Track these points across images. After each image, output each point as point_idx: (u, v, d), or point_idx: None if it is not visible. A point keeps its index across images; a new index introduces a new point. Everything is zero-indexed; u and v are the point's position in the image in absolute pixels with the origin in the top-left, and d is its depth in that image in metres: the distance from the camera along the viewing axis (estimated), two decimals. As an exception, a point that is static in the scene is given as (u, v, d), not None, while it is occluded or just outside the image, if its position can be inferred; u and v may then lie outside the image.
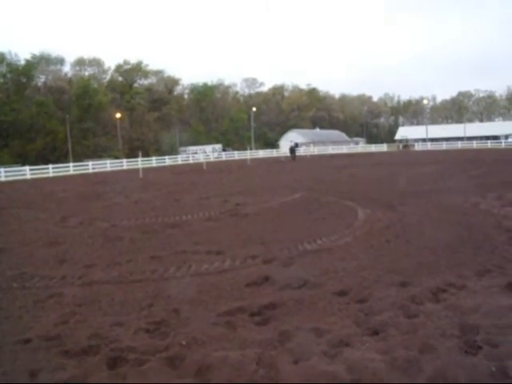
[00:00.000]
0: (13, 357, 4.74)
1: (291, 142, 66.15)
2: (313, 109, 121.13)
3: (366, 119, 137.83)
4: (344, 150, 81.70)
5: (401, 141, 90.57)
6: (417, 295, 5.87)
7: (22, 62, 76.74)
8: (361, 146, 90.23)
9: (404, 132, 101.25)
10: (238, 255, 8.71)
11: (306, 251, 8.89)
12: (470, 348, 4.33)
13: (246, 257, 8.56)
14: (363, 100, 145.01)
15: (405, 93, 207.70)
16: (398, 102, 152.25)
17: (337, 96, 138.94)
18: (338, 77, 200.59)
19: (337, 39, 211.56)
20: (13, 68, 75.41)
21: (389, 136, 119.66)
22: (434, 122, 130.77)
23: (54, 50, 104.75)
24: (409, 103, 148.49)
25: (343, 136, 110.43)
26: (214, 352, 4.56)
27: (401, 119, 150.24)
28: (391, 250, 8.62)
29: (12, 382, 2.74)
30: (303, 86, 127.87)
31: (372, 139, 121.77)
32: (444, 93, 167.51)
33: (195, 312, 5.85)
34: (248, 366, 4.25)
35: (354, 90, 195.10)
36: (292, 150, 58.01)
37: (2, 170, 43.36)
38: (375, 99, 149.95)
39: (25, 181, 39.90)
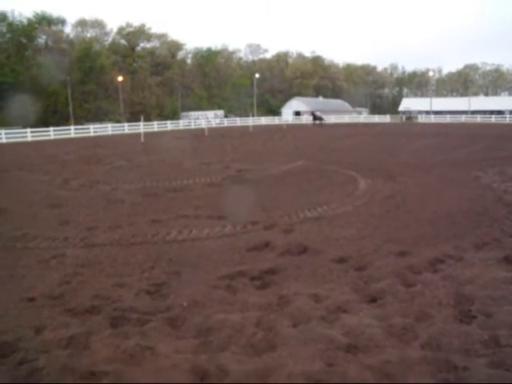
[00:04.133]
0: (18, 314, 4.84)
1: (317, 112, 68.85)
2: (316, 77, 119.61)
3: (370, 89, 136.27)
4: (347, 119, 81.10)
5: (404, 112, 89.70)
6: (415, 265, 5.94)
7: (23, 21, 75.35)
8: (363, 117, 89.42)
9: (408, 104, 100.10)
10: (238, 220, 8.78)
11: (306, 218, 8.96)
12: (465, 317, 4.42)
13: (246, 222, 8.64)
14: (368, 70, 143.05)
15: (410, 64, 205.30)
16: (403, 73, 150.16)
17: (341, 65, 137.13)
18: (342, 46, 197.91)
19: (342, 7, 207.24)
20: (13, 28, 74.01)
21: (392, 107, 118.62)
22: (438, 94, 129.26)
23: (54, 10, 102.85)
24: (414, 75, 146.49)
25: (346, 106, 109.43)
26: (214, 314, 4.65)
27: (405, 91, 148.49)
28: (391, 219, 8.68)
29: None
30: (308, 53, 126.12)
31: (375, 110, 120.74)
32: (450, 65, 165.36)
33: (196, 275, 5.94)
34: (247, 328, 4.34)
35: (358, 60, 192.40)
36: (315, 116, 62.60)
37: (3, 131, 43.07)
38: (380, 69, 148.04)
39: (26, 143, 39.76)
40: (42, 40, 79.91)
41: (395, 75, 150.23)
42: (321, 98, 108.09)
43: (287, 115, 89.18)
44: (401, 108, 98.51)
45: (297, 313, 4.63)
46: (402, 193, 11.34)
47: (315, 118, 63.45)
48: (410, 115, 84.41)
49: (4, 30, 73.89)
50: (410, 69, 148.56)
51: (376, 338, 4.06)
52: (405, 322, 4.34)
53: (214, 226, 8.44)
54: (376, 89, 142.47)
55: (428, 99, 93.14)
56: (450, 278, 5.46)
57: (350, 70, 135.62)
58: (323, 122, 62.55)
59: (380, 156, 20.12)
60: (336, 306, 4.78)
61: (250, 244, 7.23)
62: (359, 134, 39.62)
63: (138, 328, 4.44)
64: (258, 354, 3.90)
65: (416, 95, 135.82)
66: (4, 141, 41.20)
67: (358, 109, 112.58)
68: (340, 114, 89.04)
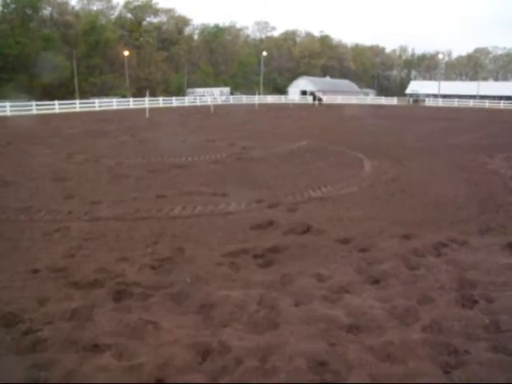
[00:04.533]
0: (22, 285, 4.87)
1: (317, 93, 67.87)
2: (324, 57, 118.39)
3: (378, 71, 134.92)
4: (353, 100, 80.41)
5: (411, 95, 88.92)
6: (419, 248, 5.93)
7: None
8: (370, 98, 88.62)
9: (415, 86, 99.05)
10: (243, 198, 8.77)
11: (310, 198, 8.94)
12: (467, 302, 4.42)
13: (251, 200, 8.63)
14: (376, 51, 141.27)
15: (420, 47, 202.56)
16: (412, 55, 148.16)
17: (349, 45, 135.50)
18: (351, 26, 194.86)
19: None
20: (17, -2, 72.98)
21: (400, 89, 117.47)
22: (447, 78, 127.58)
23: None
24: (423, 57, 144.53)
25: (353, 86, 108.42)
26: (217, 290, 4.67)
27: (413, 73, 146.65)
28: (396, 202, 8.66)
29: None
30: (316, 32, 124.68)
31: (382, 91, 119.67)
32: (460, 49, 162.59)
33: (200, 251, 5.94)
34: (250, 305, 4.35)
35: (367, 41, 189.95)
36: (314, 96, 61.67)
37: (8, 104, 42.83)
38: (388, 51, 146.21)
39: (31, 116, 39.60)
40: (47, 12, 78.99)
41: (404, 57, 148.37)
42: (328, 78, 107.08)
43: (294, 94, 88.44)
44: (408, 91, 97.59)
45: (299, 292, 4.64)
46: (407, 176, 11.29)
47: (315, 98, 62.74)
48: (417, 98, 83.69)
49: (8, 0, 72.79)
50: (419, 51, 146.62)
51: (378, 319, 4.07)
52: (407, 304, 4.35)
53: (218, 203, 8.43)
54: (384, 70, 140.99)
55: (436, 82, 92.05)
56: (454, 263, 5.45)
57: (359, 51, 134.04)
58: (322, 102, 61.26)
59: (386, 138, 19.99)
60: (339, 286, 4.79)
61: (254, 222, 7.22)
62: (366, 115, 39.33)
63: (141, 302, 4.46)
64: (259, 331, 3.92)
65: (424, 78, 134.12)
66: (9, 113, 40.99)
67: (365, 90, 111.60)
68: (347, 94, 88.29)
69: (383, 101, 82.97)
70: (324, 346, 3.60)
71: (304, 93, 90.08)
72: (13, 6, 72.45)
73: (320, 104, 59.13)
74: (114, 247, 6.20)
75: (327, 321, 4.02)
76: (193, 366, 3.38)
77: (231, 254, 5.78)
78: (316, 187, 9.78)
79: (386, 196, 9.14)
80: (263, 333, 3.88)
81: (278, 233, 6.77)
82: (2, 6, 71.90)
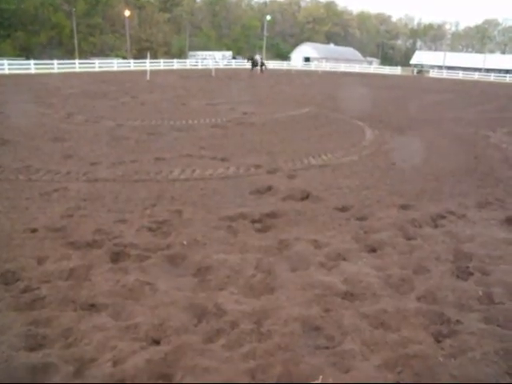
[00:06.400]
0: (21, 244, 4.88)
1: (257, 56, 54.12)
2: (329, 23, 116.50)
3: (383, 40, 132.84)
4: (357, 68, 79.43)
5: (416, 65, 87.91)
6: (417, 219, 5.95)
7: None
8: (374, 67, 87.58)
9: (420, 57, 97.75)
10: (242, 163, 8.75)
11: (310, 165, 8.91)
12: (462, 273, 4.46)
13: (250, 165, 8.60)
14: (382, 19, 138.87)
15: (427, 16, 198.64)
16: (419, 24, 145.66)
17: (355, 12, 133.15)
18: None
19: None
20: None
21: (404, 59, 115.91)
22: (453, 49, 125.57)
23: None
24: (429, 27, 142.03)
25: (357, 54, 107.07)
26: (214, 254, 4.69)
27: (419, 43, 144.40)
28: (396, 172, 8.63)
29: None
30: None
31: (387, 61, 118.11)
32: (468, 19, 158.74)
33: (197, 214, 5.95)
34: (246, 269, 4.38)
35: (373, 8, 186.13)
36: (253, 61, 49.87)
37: (6, 62, 42.12)
38: (394, 19, 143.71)
39: (29, 75, 39.00)
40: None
41: (410, 26, 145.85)
42: (332, 45, 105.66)
43: (297, 61, 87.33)
44: (413, 61, 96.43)
45: (296, 257, 4.67)
46: (409, 146, 11.24)
47: (255, 63, 49.74)
48: (421, 69, 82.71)
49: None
50: (426, 21, 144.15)
51: (373, 287, 4.10)
52: (402, 273, 4.38)
53: (217, 167, 8.41)
54: (389, 39, 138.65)
55: (442, 53, 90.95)
56: (450, 235, 5.47)
57: (364, 18, 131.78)
58: (264, 68, 49.74)
59: (389, 108, 19.84)
60: (336, 253, 4.81)
61: (253, 187, 7.22)
62: (368, 84, 38.89)
63: (138, 264, 4.49)
64: (255, 295, 3.96)
65: (430, 49, 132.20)
66: (7, 72, 40.33)
67: (368, 58, 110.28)
68: (350, 62, 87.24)
69: (387, 70, 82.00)
70: (319, 311, 3.65)
71: (307, 59, 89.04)
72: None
73: (261, 71, 48.45)
74: (112, 208, 6.20)
75: (323, 287, 4.05)
76: (188, 328, 3.42)
77: (229, 218, 5.78)
78: (316, 154, 9.73)
79: (386, 165, 9.11)
80: (259, 297, 3.91)
81: (277, 198, 6.76)
82: None
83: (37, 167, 8.22)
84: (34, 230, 5.30)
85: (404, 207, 6.51)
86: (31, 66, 43.53)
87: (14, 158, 8.95)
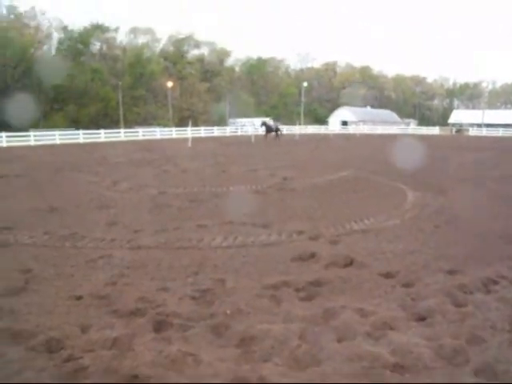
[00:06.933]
0: (65, 311, 4.95)
1: (271, 121, 52.69)
2: (365, 87, 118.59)
3: (419, 100, 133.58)
4: (394, 130, 79.73)
5: (454, 125, 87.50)
6: (466, 284, 5.70)
7: (80, 29, 78.47)
8: (412, 128, 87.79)
9: (458, 116, 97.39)
10: (284, 230, 8.71)
11: (352, 230, 8.80)
12: (522, 343, 4.20)
13: (292, 232, 8.55)
14: (417, 81, 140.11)
15: (462, 76, 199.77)
16: (454, 84, 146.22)
17: (390, 75, 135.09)
18: (392, 56, 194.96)
19: (392, 18, 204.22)
20: (71, 35, 77.35)
21: (442, 119, 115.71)
22: (491, 106, 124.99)
23: (109, 19, 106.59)
24: (465, 86, 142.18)
25: (394, 116, 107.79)
26: (257, 324, 4.60)
27: (456, 102, 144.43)
28: (440, 235, 8.41)
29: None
30: (356, 63, 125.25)
31: (424, 121, 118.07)
32: (505, 77, 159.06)
33: (240, 283, 5.90)
34: (291, 340, 4.26)
35: (408, 71, 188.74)
36: (267, 127, 47.99)
37: (57, 133, 44.77)
38: (430, 80, 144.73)
39: (78, 144, 41.06)
40: (96, 46, 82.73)
41: (446, 86, 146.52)
42: (368, 108, 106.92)
43: (334, 124, 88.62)
44: (451, 120, 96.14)
45: (342, 327, 4.53)
46: (452, 207, 10.98)
47: (269, 129, 47.64)
48: (460, 127, 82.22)
49: (63, 37, 77.42)
50: (461, 80, 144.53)
51: (424, 358, 3.91)
52: (455, 343, 4.15)
53: (259, 234, 8.40)
54: (425, 100, 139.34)
55: (480, 111, 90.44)
56: (505, 301, 5.19)
57: (399, 81, 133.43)
58: (280, 133, 47.65)
59: (429, 168, 19.62)
60: (382, 322, 4.64)
61: (295, 254, 7.14)
62: (407, 145, 38.84)
63: (181, 333, 4.45)
64: (301, 367, 3.83)
65: (467, 107, 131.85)
66: (58, 142, 42.79)
67: (406, 120, 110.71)
68: (388, 124, 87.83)
69: (425, 130, 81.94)
70: (368, 385, 3.48)
71: (345, 123, 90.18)
72: (67, 43, 76.94)
73: (277, 136, 46.27)
74: (155, 276, 6.23)
75: (371, 358, 3.89)
76: (232, 402, 3.32)
77: (272, 287, 5.70)
78: (358, 219, 9.63)
79: (430, 228, 8.90)
80: (305, 369, 3.79)
81: (320, 265, 6.66)
82: (58, 42, 76.52)
83: (82, 234, 8.42)
84: (79, 298, 5.36)
85: (452, 272, 6.27)
86: (80, 136, 45.87)
87: (61, 225, 9.23)
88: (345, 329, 4.48)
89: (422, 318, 4.79)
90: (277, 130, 47.95)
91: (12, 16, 72.94)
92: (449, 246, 7.65)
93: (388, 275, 6.15)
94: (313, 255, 7.06)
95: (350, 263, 6.67)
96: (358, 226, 9.14)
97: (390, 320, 4.69)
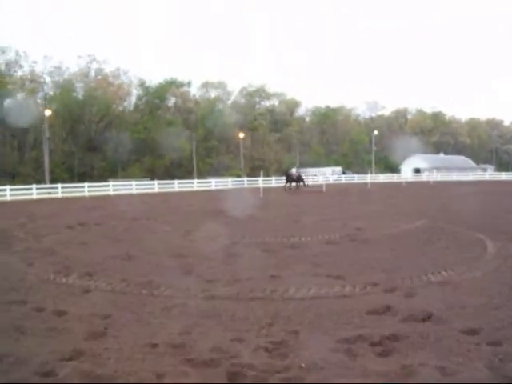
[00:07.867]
0: (142, 358, 5.08)
1: (293, 170, 48.22)
2: (437, 133, 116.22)
3: (496, 145, 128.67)
4: (470, 177, 76.88)
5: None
6: (559, 345, 5.30)
7: (156, 85, 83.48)
8: (489, 174, 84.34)
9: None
10: (358, 281, 8.52)
11: (429, 282, 8.47)
12: None
13: (366, 283, 8.35)
14: (493, 124, 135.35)
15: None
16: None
17: (463, 120, 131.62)
18: (465, 100, 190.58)
19: (463, 61, 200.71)
20: (148, 91, 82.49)
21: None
22: None
23: (182, 74, 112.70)
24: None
25: (469, 162, 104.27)
26: (333, 378, 4.50)
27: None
28: (527, 290, 7.90)
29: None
30: (427, 109, 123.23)
31: (502, 166, 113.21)
32: None
33: (314, 336, 5.81)
34: (369, 398, 4.13)
35: (482, 114, 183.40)
36: (287, 176, 43.99)
37: (134, 183, 47.13)
38: (507, 123, 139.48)
39: (153, 194, 42.77)
40: (171, 100, 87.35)
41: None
42: (441, 155, 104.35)
43: (406, 172, 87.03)
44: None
45: (422, 386, 4.33)
46: (538, 259, 10.34)
47: (290, 179, 43.62)
48: (544, 172, 78.06)
49: (141, 93, 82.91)
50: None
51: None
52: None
53: (332, 286, 8.27)
54: (503, 144, 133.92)
55: None
56: None
57: (474, 125, 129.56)
58: (302, 184, 43.84)
59: (509, 217, 18.68)
60: (467, 383, 4.39)
61: (370, 307, 6.95)
62: (484, 192, 37.29)
63: (256, 386, 4.42)
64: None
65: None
66: (134, 191, 44.90)
67: (482, 165, 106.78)
68: (462, 171, 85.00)
69: (504, 176, 78.38)
70: None
71: (417, 170, 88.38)
72: (144, 98, 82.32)
73: (297, 187, 43.19)
74: (228, 326, 6.27)
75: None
76: None
77: (347, 341, 5.56)
78: (435, 270, 9.27)
79: (514, 282, 8.40)
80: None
81: (396, 319, 6.43)
82: (137, 98, 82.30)
83: (158, 282, 8.65)
84: (155, 345, 5.47)
85: (543, 330, 5.86)
86: (155, 186, 47.92)
87: (138, 273, 9.55)
88: (426, 388, 4.28)
89: None
90: (298, 179, 44.27)
91: (99, 77, 78.91)
92: (537, 301, 7.17)
93: (470, 332, 5.81)
94: (388, 308, 6.84)
95: (428, 317, 6.39)
96: (435, 277, 8.79)
97: (476, 382, 4.42)
